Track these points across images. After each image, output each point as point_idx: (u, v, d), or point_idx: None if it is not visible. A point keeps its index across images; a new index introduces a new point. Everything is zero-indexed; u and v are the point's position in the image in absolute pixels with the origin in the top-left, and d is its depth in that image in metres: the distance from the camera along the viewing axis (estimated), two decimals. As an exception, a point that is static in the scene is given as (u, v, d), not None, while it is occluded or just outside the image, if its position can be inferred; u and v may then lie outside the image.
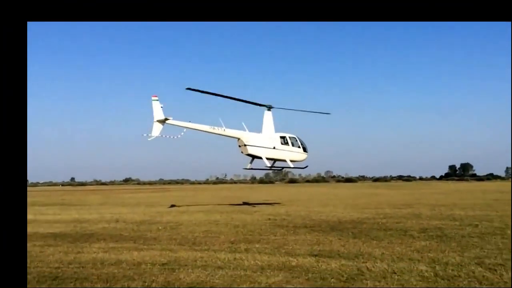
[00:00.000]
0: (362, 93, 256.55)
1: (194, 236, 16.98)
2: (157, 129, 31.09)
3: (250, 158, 33.48)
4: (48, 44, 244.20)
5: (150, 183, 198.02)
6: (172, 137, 32.92)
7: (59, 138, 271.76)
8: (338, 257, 12.20)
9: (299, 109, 37.41)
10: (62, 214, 28.70)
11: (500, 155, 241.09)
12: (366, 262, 11.42)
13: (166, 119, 31.04)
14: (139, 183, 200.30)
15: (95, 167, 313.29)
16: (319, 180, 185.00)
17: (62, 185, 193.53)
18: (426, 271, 10.34)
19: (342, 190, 74.80)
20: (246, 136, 32.58)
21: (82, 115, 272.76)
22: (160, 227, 20.06)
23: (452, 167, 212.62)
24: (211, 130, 31.81)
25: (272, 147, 32.88)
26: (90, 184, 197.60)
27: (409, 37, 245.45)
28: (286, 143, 33.75)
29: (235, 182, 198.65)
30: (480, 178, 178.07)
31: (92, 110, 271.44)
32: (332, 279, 9.87)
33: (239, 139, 32.77)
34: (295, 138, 34.47)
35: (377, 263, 11.31)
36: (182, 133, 32.45)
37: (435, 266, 10.76)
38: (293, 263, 11.52)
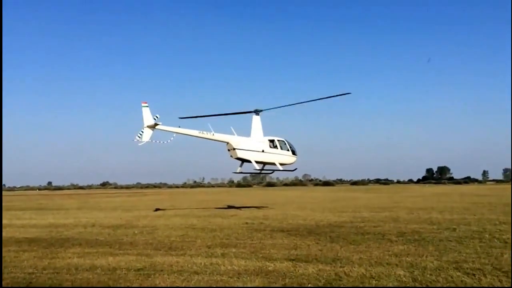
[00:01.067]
0: (340, 97, 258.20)
1: (170, 241, 16.75)
2: (147, 134, 31.34)
3: (240, 162, 33.74)
4: (24, 44, 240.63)
5: (128, 187, 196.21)
6: (162, 142, 33.29)
7: (36, 142, 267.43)
8: (316, 262, 12.08)
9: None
10: (38, 219, 28.23)
11: (477, 158, 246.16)
12: (343, 267, 11.31)
13: (156, 124, 31.19)
14: (116, 187, 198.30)
15: (72, 171, 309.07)
16: (296, 183, 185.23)
17: (39, 189, 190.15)
18: (404, 275, 10.27)
19: (320, 193, 75.03)
20: (235, 140, 32.83)
21: (59, 119, 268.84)
22: (136, 232, 19.77)
23: (429, 170, 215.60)
24: (200, 134, 32.08)
25: (261, 151, 33.19)
26: (67, 188, 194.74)
27: (384, 41, 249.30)
28: (275, 147, 34.02)
29: (212, 186, 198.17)
30: (457, 181, 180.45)
31: (69, 114, 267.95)
32: (309, 284, 9.74)
33: (228, 143, 33.00)
34: (283, 141, 34.68)
35: (354, 267, 11.21)
36: (172, 138, 32.76)
37: (413, 271, 10.70)
38: (270, 268, 11.36)
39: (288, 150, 34.47)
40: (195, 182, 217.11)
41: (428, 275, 10.26)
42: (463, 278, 9.95)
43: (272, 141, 34.06)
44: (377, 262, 11.91)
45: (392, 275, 10.37)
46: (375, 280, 9.93)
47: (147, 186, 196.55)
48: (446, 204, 36.30)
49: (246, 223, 22.82)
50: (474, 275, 10.24)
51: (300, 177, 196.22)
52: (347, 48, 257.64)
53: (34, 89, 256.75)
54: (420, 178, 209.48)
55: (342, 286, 9.64)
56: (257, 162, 33.24)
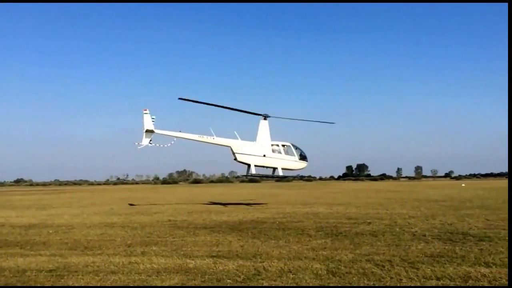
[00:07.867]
0: (263, 94, 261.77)
1: (87, 240, 16.19)
2: (146, 138, 32.41)
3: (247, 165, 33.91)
4: None
5: (45, 184, 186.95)
6: (162, 145, 33.48)
7: None
8: (236, 258, 12.20)
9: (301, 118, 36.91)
10: None
11: (392, 156, 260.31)
12: (263, 262, 11.52)
13: (153, 130, 32.26)
14: (32, 184, 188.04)
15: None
16: (223, 180, 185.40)
17: None
18: (320, 269, 10.64)
19: (245, 190, 75.63)
20: (236, 144, 33.11)
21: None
22: (50, 231, 18.93)
23: (349, 168, 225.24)
24: (200, 139, 32.90)
25: (262, 155, 33.20)
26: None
27: (311, 42, 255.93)
28: (279, 152, 33.88)
29: (137, 183, 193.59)
30: (374, 178, 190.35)
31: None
32: (229, 280, 9.83)
33: (230, 147, 33.25)
34: (289, 146, 34.34)
35: (274, 262, 11.45)
36: (172, 142, 33.09)
37: (329, 264, 11.12)
38: (190, 265, 11.32)
39: (294, 155, 34.18)
40: (118, 179, 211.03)
41: (342, 267, 10.71)
42: (373, 270, 10.47)
43: (276, 145, 33.99)
44: (295, 256, 12.25)
45: (309, 268, 10.70)
46: (293, 274, 10.19)
47: (66, 183, 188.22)
48: (363, 200, 38.04)
49: (169, 220, 22.55)
50: (383, 266, 10.81)
51: (227, 174, 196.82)
52: (271, 43, 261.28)
53: None
54: (341, 175, 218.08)
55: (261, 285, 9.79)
56: (258, 166, 33.51)
